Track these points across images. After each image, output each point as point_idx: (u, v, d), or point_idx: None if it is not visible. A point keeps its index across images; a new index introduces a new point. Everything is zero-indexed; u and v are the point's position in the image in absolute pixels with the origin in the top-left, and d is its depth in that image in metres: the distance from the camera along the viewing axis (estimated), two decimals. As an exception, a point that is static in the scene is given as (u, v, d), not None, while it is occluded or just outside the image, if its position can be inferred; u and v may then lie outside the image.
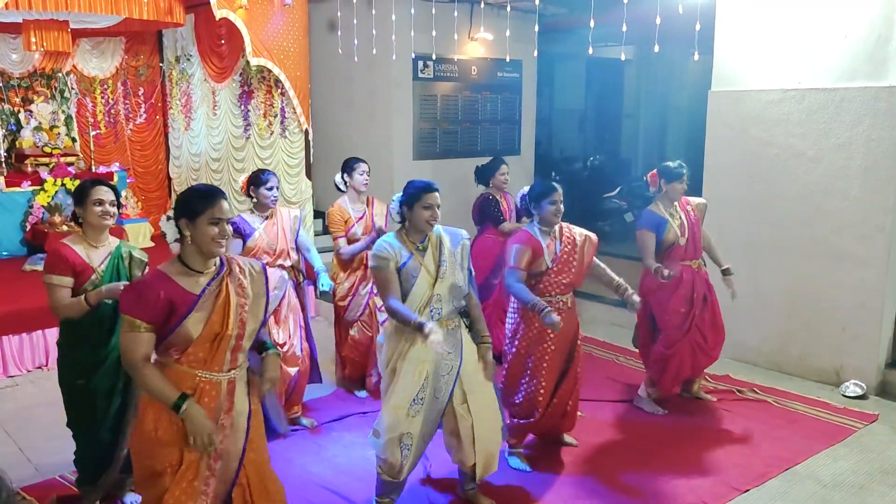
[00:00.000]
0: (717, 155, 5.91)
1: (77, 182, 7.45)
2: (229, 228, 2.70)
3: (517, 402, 4.10)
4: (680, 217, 4.70)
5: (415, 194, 3.40)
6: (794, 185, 5.47)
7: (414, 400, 3.37)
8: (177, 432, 2.60)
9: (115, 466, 3.59)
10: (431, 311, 3.37)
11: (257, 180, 4.41)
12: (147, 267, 3.55)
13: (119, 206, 3.50)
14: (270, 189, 4.39)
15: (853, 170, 5.17)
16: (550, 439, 4.36)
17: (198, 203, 2.64)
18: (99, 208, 3.39)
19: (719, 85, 5.86)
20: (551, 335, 3.96)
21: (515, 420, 4.12)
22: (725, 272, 4.80)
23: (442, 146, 8.46)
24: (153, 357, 2.63)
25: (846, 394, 5.18)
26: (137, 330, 2.55)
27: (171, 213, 2.44)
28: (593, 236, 4.14)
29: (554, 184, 4.03)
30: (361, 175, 5.02)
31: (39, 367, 5.62)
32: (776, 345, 5.68)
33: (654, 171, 4.77)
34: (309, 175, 7.17)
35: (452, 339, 3.43)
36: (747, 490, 3.90)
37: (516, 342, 4.05)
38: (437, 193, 3.41)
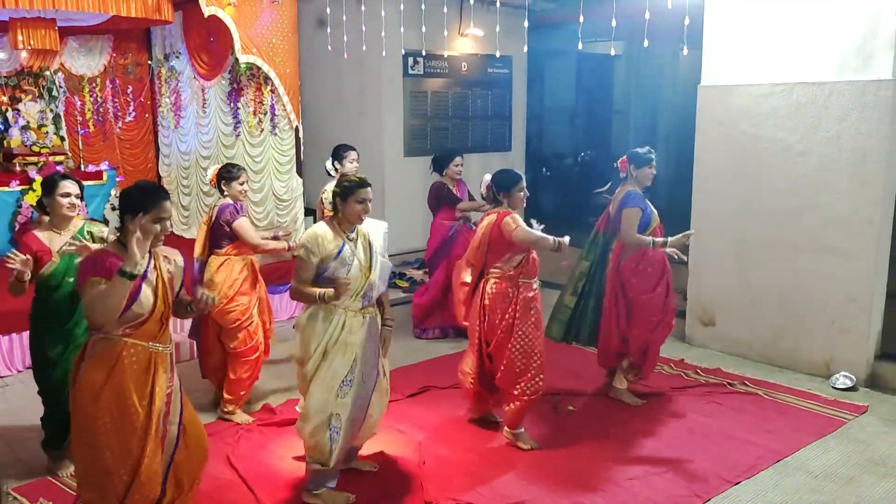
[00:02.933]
0: (707, 149, 5.93)
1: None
2: (169, 226, 2.92)
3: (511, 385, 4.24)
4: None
5: (350, 188, 3.53)
6: (783, 178, 5.49)
7: (343, 382, 3.54)
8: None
9: None
10: (364, 297, 3.56)
11: (229, 175, 4.64)
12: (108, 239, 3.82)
13: (83, 198, 3.84)
14: (242, 184, 4.66)
15: (842, 163, 5.20)
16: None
17: (144, 201, 2.83)
18: (66, 200, 3.73)
19: (708, 80, 5.87)
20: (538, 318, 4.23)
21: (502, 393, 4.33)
22: None
23: (433, 142, 8.45)
24: (98, 336, 2.84)
25: (836, 386, 5.22)
26: (98, 284, 2.74)
27: (115, 203, 2.87)
28: None
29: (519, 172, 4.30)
30: (352, 163, 5.34)
31: (30, 368, 5.57)
32: (767, 338, 5.71)
33: (624, 157, 4.86)
34: (300, 173, 7.15)
35: (375, 325, 3.67)
36: (739, 482, 3.93)
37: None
38: (370, 189, 3.56)
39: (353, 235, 3.61)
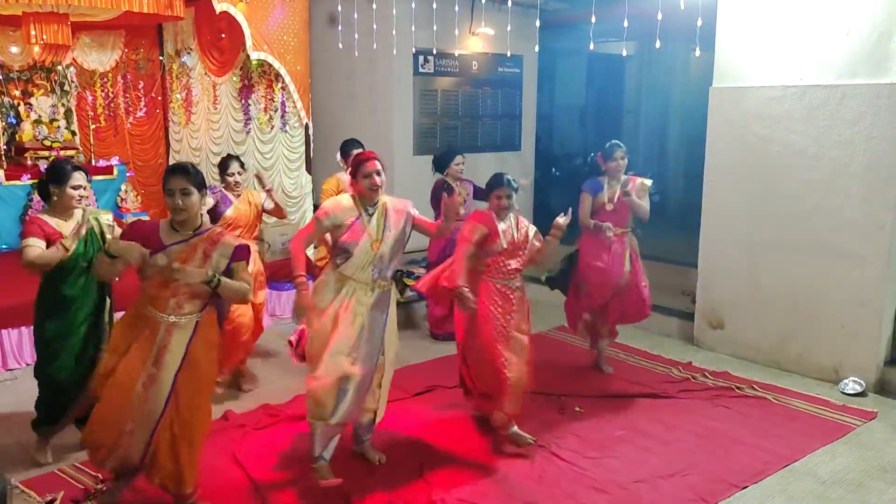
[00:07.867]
0: (718, 151, 5.91)
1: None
2: (81, 193, 3.70)
3: (485, 386, 4.32)
4: (614, 188, 5.17)
5: (356, 166, 3.79)
6: (794, 182, 5.46)
7: (352, 348, 3.69)
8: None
9: (72, 411, 3.99)
10: (373, 269, 3.73)
11: (222, 166, 5.05)
12: (114, 226, 4.05)
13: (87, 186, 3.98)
14: (231, 175, 5.00)
15: (854, 167, 5.16)
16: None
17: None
18: (76, 192, 3.83)
19: (720, 81, 5.84)
20: (498, 315, 4.23)
21: (482, 395, 4.37)
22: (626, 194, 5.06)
23: (442, 141, 8.44)
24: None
25: (845, 391, 5.19)
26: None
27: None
28: (539, 236, 4.44)
29: (505, 175, 4.33)
30: None
31: (39, 361, 5.62)
32: (776, 342, 5.68)
33: (600, 152, 5.25)
34: (309, 169, 7.16)
35: (386, 299, 3.82)
36: (745, 487, 3.91)
37: (462, 331, 4.35)
38: (376, 161, 3.77)
39: (372, 210, 3.77)
